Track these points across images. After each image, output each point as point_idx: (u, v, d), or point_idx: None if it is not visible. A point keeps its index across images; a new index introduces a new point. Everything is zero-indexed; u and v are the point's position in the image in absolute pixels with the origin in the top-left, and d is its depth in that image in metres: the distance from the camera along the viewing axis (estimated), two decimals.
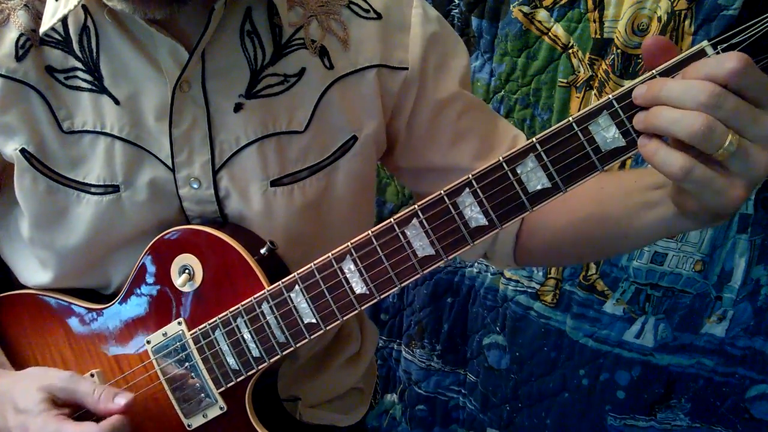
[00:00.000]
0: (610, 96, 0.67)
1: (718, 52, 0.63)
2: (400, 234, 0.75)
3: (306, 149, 0.90)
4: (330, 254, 0.79)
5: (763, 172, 0.63)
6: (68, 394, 0.81)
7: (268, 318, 0.82)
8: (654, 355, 1.68)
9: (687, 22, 1.39)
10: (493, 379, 1.88)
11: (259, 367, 0.84)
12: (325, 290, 0.79)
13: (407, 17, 0.93)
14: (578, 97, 1.56)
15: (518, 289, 1.77)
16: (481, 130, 0.98)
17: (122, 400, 0.80)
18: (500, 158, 0.71)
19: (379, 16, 0.92)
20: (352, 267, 0.78)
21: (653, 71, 0.66)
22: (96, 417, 0.80)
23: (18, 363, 0.95)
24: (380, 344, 2.02)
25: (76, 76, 0.85)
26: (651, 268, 1.61)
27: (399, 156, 0.99)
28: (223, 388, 0.86)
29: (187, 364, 0.87)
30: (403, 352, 2.00)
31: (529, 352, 1.80)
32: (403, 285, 0.77)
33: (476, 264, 1.78)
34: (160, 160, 0.86)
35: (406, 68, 0.92)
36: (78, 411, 0.83)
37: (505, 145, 0.98)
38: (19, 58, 0.83)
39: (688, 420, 1.72)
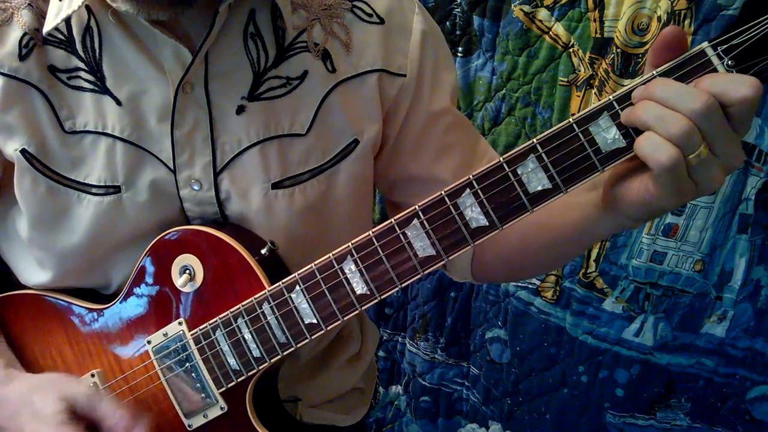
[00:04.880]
0: (611, 97, 0.67)
1: (718, 54, 0.63)
2: (401, 234, 0.75)
3: (308, 152, 0.90)
4: (331, 255, 0.79)
5: (716, 187, 0.66)
6: (89, 409, 0.80)
7: (268, 318, 0.82)
8: (653, 354, 1.69)
9: (687, 22, 1.39)
10: (494, 373, 1.90)
11: (260, 368, 0.84)
12: (325, 290, 0.79)
13: (409, 23, 0.93)
14: (579, 96, 1.57)
15: (519, 284, 1.78)
16: (464, 147, 0.99)
17: (142, 430, 0.79)
18: (501, 159, 0.71)
19: (381, 21, 0.91)
20: (353, 267, 0.78)
21: (653, 72, 0.66)
22: None
23: (19, 363, 0.95)
24: (384, 337, 2.05)
25: (79, 77, 0.85)
26: (650, 267, 1.61)
27: (382, 162, 0.99)
28: (223, 388, 0.86)
29: (187, 364, 0.87)
30: (408, 345, 2.02)
31: (530, 347, 1.81)
32: (403, 285, 0.77)
33: None
34: (162, 161, 0.86)
35: (404, 75, 0.92)
36: (91, 426, 0.81)
37: (482, 164, 0.98)
38: (22, 58, 0.83)
39: (689, 420, 1.72)
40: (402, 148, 0.97)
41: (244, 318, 0.83)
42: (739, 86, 0.61)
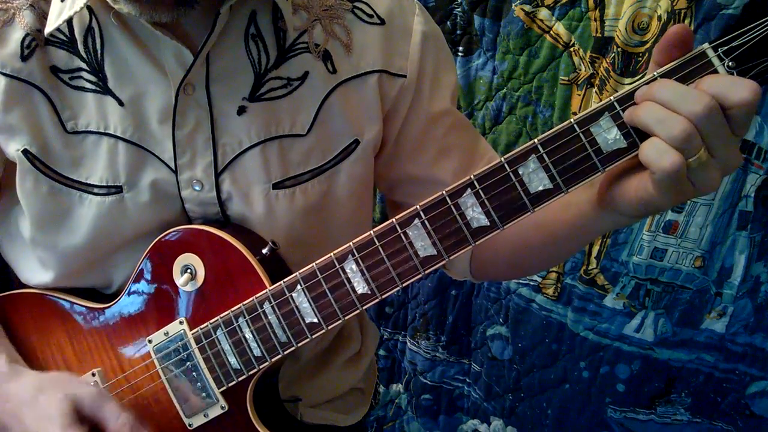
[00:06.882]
0: (612, 98, 0.67)
1: (718, 55, 0.64)
2: (402, 234, 0.76)
3: (308, 152, 0.90)
4: (332, 254, 0.79)
5: (713, 189, 0.66)
6: (93, 411, 0.79)
7: (269, 317, 0.82)
8: (654, 349, 1.69)
9: (687, 21, 1.39)
10: (496, 369, 1.90)
11: (261, 367, 0.84)
12: (326, 290, 0.79)
13: (409, 24, 0.93)
14: (579, 95, 1.57)
15: (521, 281, 1.78)
16: (464, 149, 0.99)
17: None
18: (502, 159, 0.71)
19: (382, 22, 0.91)
20: (354, 267, 0.78)
21: (654, 72, 0.66)
22: None
23: (22, 359, 0.94)
24: (385, 336, 2.05)
25: (81, 77, 0.85)
26: (651, 263, 1.61)
27: (382, 162, 0.99)
28: (224, 388, 0.86)
29: (188, 363, 0.87)
30: (408, 344, 2.02)
31: (531, 344, 1.82)
32: (404, 285, 0.77)
33: None
34: (163, 161, 0.86)
35: (404, 76, 0.92)
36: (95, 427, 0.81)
37: (482, 165, 0.98)
38: (24, 58, 0.83)
39: (689, 415, 1.72)
40: (402, 148, 0.97)
41: (245, 317, 0.83)
42: (739, 89, 0.61)
